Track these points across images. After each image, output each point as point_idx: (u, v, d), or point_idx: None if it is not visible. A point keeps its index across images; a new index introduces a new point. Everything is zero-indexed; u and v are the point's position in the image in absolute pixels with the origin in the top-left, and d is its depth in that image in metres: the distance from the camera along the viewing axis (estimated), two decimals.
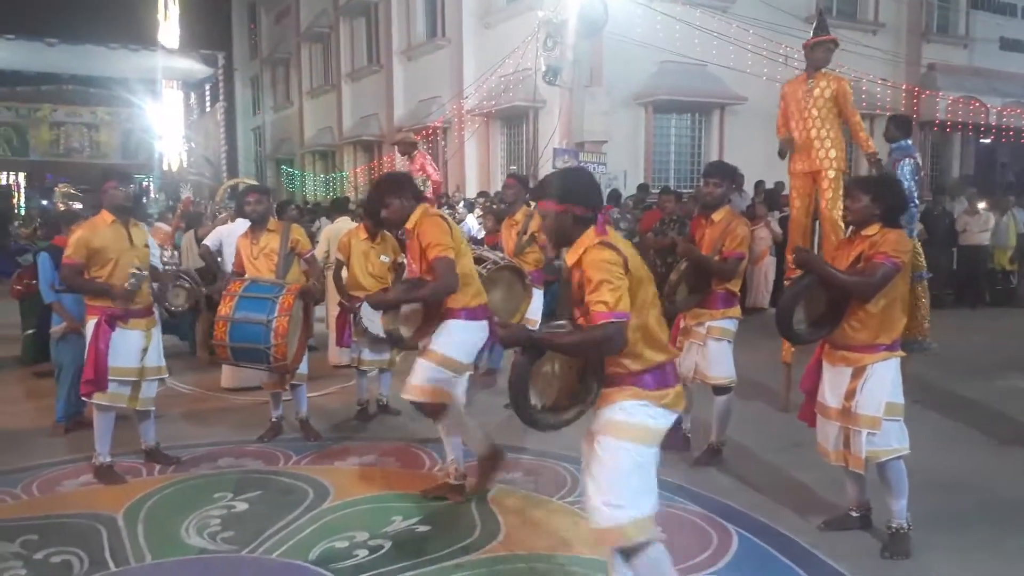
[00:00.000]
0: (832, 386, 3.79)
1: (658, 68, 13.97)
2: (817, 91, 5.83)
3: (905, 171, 6.46)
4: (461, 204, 11.93)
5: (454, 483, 4.37)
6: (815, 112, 5.83)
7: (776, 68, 13.60)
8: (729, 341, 4.89)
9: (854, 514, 4.00)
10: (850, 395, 3.69)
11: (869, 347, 3.67)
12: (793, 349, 5.92)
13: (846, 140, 6.03)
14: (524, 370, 2.65)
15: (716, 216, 4.84)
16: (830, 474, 4.12)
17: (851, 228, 3.92)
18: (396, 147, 10.52)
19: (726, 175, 4.98)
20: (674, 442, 4.74)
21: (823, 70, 5.91)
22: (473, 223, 10.68)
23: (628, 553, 2.80)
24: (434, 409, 4.26)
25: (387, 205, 4.20)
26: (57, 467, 4.97)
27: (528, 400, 2.68)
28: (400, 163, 18.88)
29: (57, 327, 5.65)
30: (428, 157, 9.47)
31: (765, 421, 5.95)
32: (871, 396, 3.64)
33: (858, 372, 3.69)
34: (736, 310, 4.94)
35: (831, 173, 5.85)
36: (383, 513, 4.20)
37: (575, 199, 2.81)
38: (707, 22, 13.38)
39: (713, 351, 4.84)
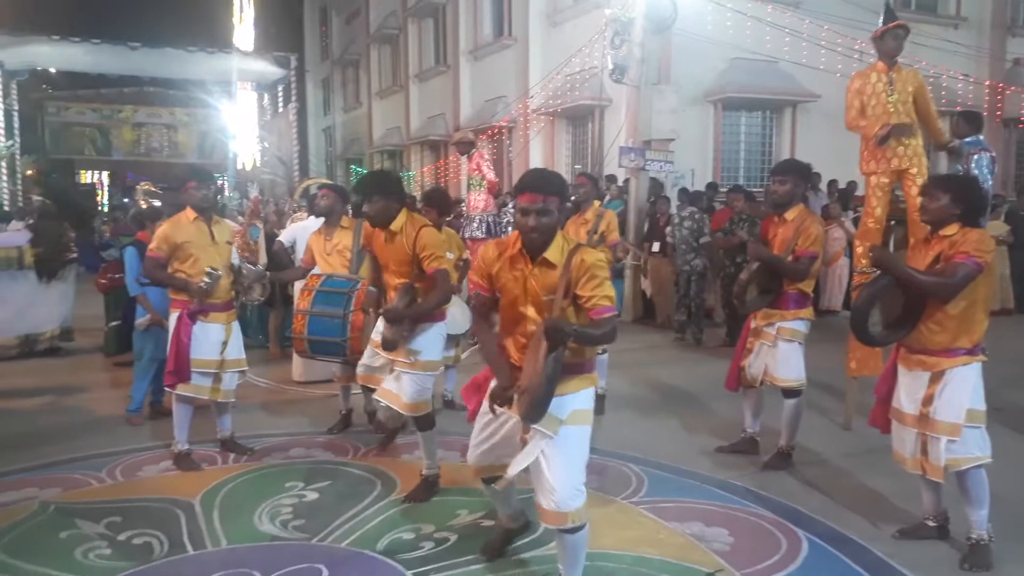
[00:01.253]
0: (909, 391, 3.68)
1: (728, 65, 13.72)
2: (899, 84, 5.53)
3: (982, 164, 6.18)
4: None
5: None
6: (900, 107, 5.52)
7: (850, 64, 13.21)
8: (800, 343, 4.78)
9: (931, 523, 3.88)
10: (928, 400, 3.58)
11: (948, 351, 3.55)
12: (853, 364, 5.72)
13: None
14: (560, 367, 2.86)
15: (789, 215, 4.74)
16: (903, 481, 4.00)
17: (928, 229, 3.79)
18: (455, 146, 10.59)
19: (796, 173, 4.86)
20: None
21: (901, 63, 5.64)
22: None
23: (572, 531, 3.05)
24: (428, 419, 4.38)
25: (372, 202, 4.21)
26: (139, 453, 5.19)
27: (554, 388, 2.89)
28: (463, 162, 19.06)
29: (142, 319, 5.89)
30: (486, 157, 9.46)
31: (835, 426, 5.81)
32: (951, 402, 3.52)
33: (936, 377, 3.57)
34: (808, 311, 4.83)
35: (914, 171, 5.53)
36: (449, 507, 4.25)
37: (566, 200, 3.07)
38: (779, 18, 13.08)
39: (783, 352, 4.74)
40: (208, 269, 4.74)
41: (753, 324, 4.90)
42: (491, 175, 9.22)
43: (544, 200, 2.95)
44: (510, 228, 9.36)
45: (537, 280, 3.01)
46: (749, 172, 14.59)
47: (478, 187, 9.04)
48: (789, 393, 4.83)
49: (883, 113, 5.57)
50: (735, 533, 3.94)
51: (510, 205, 11.83)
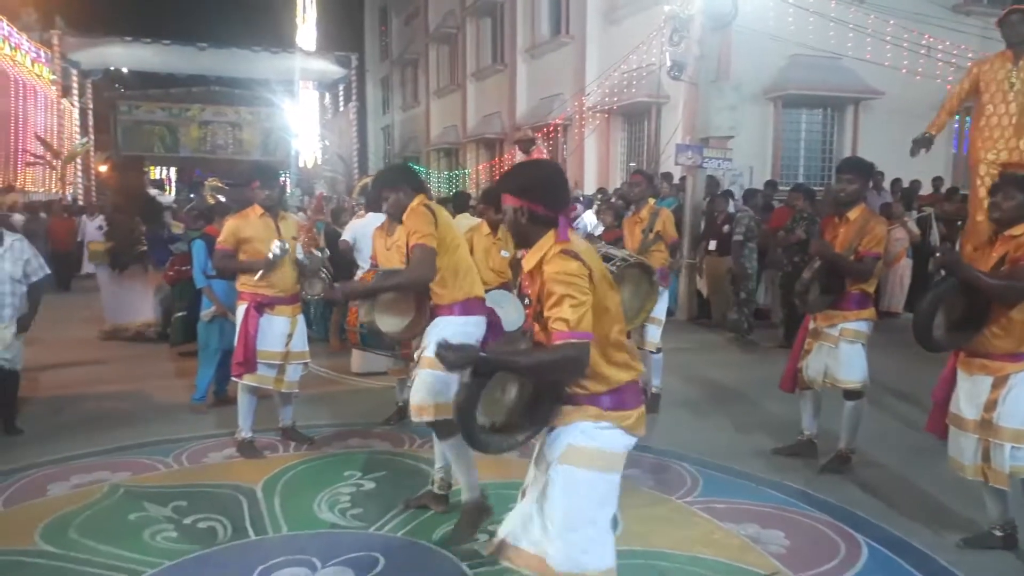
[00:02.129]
0: (969, 396, 3.59)
1: (788, 61, 13.48)
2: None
3: None
4: (579, 200, 11.91)
5: (438, 493, 4.16)
6: (1022, 98, 5.21)
7: (917, 60, 12.84)
8: (863, 344, 4.69)
9: (997, 533, 3.76)
10: (991, 406, 3.48)
11: (1012, 356, 3.46)
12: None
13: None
14: (473, 393, 2.35)
15: (852, 214, 4.64)
16: (966, 488, 3.90)
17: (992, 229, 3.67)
18: (516, 144, 10.63)
19: (861, 171, 4.76)
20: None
21: None
22: (591, 219, 10.67)
23: None
24: (447, 427, 3.76)
25: (385, 199, 4.02)
26: (204, 440, 5.36)
27: (475, 422, 2.38)
28: (520, 160, 19.09)
29: (207, 311, 6.08)
30: (545, 154, 9.50)
31: (897, 430, 5.68)
32: (1016, 407, 3.43)
33: (1000, 382, 3.47)
34: (871, 312, 4.73)
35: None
36: (503, 500, 4.26)
37: (536, 196, 2.48)
38: (842, 13, 12.79)
39: (846, 353, 4.65)
40: (277, 242, 4.84)
41: (812, 325, 4.81)
42: None
43: (503, 199, 2.57)
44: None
45: (531, 293, 2.56)
46: (809, 170, 14.31)
47: None
48: (851, 395, 4.74)
49: (1001, 102, 5.27)
50: (791, 536, 3.89)
51: (579, 202, 11.84)
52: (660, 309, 5.97)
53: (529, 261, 2.49)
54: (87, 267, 14.41)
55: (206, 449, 5.18)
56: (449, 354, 2.32)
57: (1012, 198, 3.47)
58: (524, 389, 2.47)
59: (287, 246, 4.89)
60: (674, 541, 3.81)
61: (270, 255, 4.82)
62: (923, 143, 5.67)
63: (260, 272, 4.87)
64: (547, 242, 2.46)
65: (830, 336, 4.69)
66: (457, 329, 3.72)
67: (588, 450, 2.46)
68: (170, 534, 3.87)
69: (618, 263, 5.49)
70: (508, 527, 2.61)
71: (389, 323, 3.94)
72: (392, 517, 4.07)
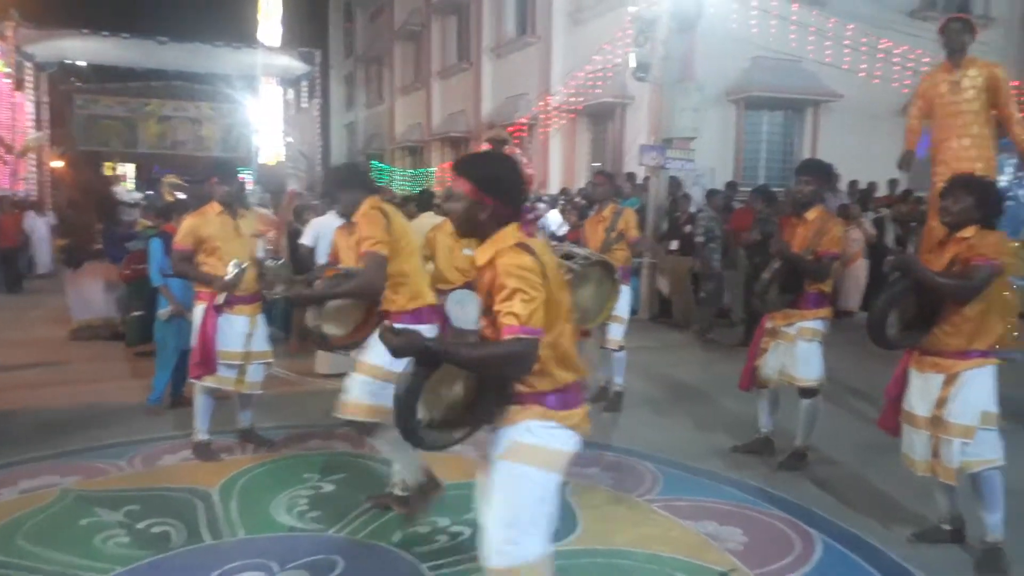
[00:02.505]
0: (921, 394, 3.66)
1: (751, 64, 13.67)
2: (966, 81, 5.24)
3: (1007, 169, 6.07)
4: (542, 200, 11.94)
5: (399, 494, 4.09)
6: (964, 107, 5.24)
7: (875, 64, 13.10)
8: (819, 342, 4.77)
9: (946, 527, 3.85)
10: (941, 403, 3.56)
11: (963, 354, 3.53)
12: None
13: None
14: (416, 384, 2.28)
15: (810, 215, 4.72)
16: (918, 484, 3.97)
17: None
18: (488, 142, 10.59)
19: (819, 173, 4.86)
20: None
21: (971, 56, 5.30)
22: (556, 219, 10.70)
23: None
24: (366, 427, 3.91)
25: (338, 200, 3.98)
26: (158, 442, 5.26)
27: (414, 415, 2.31)
28: None
29: (164, 310, 5.97)
30: (519, 154, 9.49)
31: (851, 428, 5.78)
32: (965, 404, 3.51)
33: (951, 379, 3.55)
34: (827, 311, 4.82)
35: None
36: (465, 500, 4.24)
37: (496, 192, 2.43)
38: (804, 16, 13.01)
39: (803, 351, 4.73)
40: (233, 262, 4.77)
41: (769, 324, 4.88)
42: (529, 169, 9.25)
43: (455, 181, 2.48)
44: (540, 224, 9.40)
45: (482, 287, 2.47)
46: (770, 171, 14.52)
47: None
48: (806, 392, 4.82)
49: (950, 115, 5.30)
50: (749, 533, 3.94)
51: (543, 202, 11.86)
52: (622, 308, 6.01)
53: (484, 255, 2.43)
54: (44, 266, 14.15)
55: (161, 452, 5.09)
56: (395, 339, 2.28)
57: (961, 201, 3.55)
58: (468, 384, 2.42)
59: (245, 266, 4.79)
60: (634, 539, 3.84)
61: (227, 276, 4.73)
62: (905, 161, 5.76)
63: (221, 296, 4.78)
64: (503, 237, 2.41)
65: (787, 335, 4.76)
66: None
67: (531, 447, 2.44)
68: (122, 539, 3.79)
69: (580, 261, 5.52)
70: None
71: (336, 329, 3.88)
72: (351, 520, 4.03)
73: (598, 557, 3.66)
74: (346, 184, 3.98)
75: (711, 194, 10.16)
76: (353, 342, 3.99)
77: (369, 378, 3.82)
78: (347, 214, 3.97)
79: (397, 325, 3.51)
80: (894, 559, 3.69)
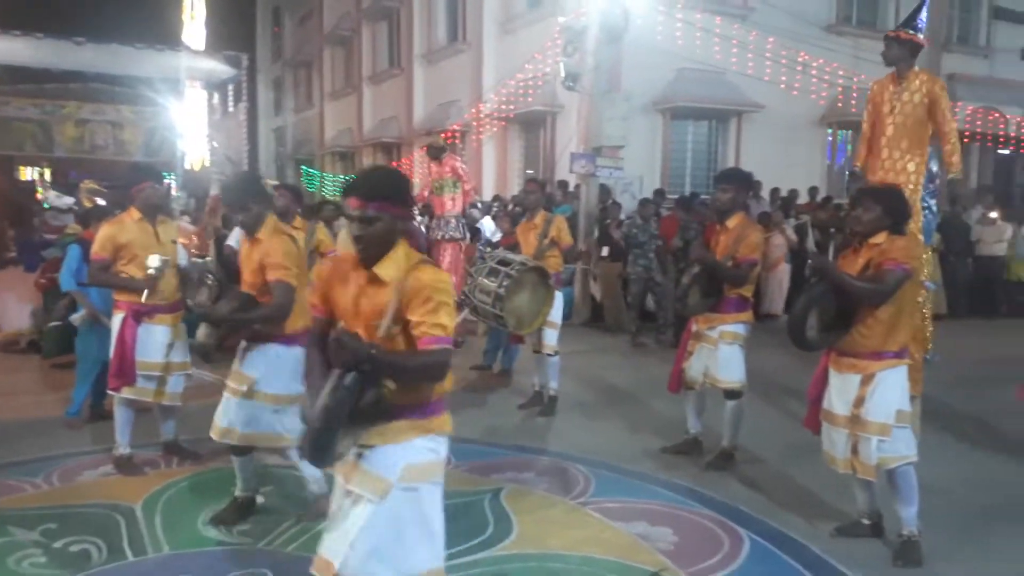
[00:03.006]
0: (840, 393, 3.80)
1: (676, 75, 13.97)
2: (907, 95, 5.31)
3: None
4: (476, 207, 11.97)
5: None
6: (899, 118, 5.31)
7: (794, 76, 13.59)
8: (741, 345, 4.91)
9: (865, 521, 4.01)
10: (859, 402, 3.70)
11: (877, 354, 3.69)
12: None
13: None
14: (348, 398, 2.25)
15: (730, 222, 4.85)
16: (841, 481, 4.13)
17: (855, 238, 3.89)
18: (425, 149, 10.54)
19: (739, 181, 5.01)
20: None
21: (917, 69, 5.37)
22: (490, 225, 10.73)
23: None
24: (245, 449, 4.05)
25: (247, 209, 3.95)
26: (77, 457, 5.06)
27: (336, 432, 2.28)
28: (420, 165, 19.00)
29: (78, 315, 5.75)
30: (459, 161, 9.39)
31: (778, 427, 5.95)
32: (881, 403, 3.66)
33: (867, 379, 3.70)
34: (748, 315, 4.96)
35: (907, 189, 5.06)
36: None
37: (406, 206, 2.51)
38: (727, 29, 13.38)
39: (724, 355, 4.86)
40: (151, 257, 4.60)
41: (694, 328, 5.00)
42: (469, 183, 9.19)
43: (365, 206, 2.38)
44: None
45: (368, 300, 2.46)
46: (695, 179, 14.86)
47: (452, 189, 9.01)
48: (730, 395, 4.95)
49: (882, 123, 5.38)
50: (679, 532, 4.02)
51: (477, 209, 11.87)
52: (556, 313, 6.07)
53: (388, 272, 2.42)
54: None
55: (80, 467, 4.89)
56: (350, 343, 2.26)
57: (871, 210, 3.71)
58: (380, 395, 2.37)
59: (167, 261, 4.66)
60: (567, 542, 3.87)
61: (150, 271, 4.58)
62: (856, 179, 5.88)
63: (146, 292, 4.62)
64: (409, 252, 2.46)
65: (710, 338, 4.89)
66: (288, 359, 3.90)
67: (426, 465, 2.48)
68: (38, 559, 3.64)
69: (517, 267, 5.58)
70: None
71: (211, 339, 4.04)
72: (280, 532, 3.95)
73: (532, 561, 3.68)
74: (244, 204, 3.98)
75: (643, 203, 10.35)
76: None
77: (276, 406, 3.94)
78: (252, 228, 3.97)
79: (279, 348, 3.85)
80: (817, 553, 3.82)
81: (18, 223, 9.34)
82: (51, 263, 7.28)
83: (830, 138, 15.90)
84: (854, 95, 14.82)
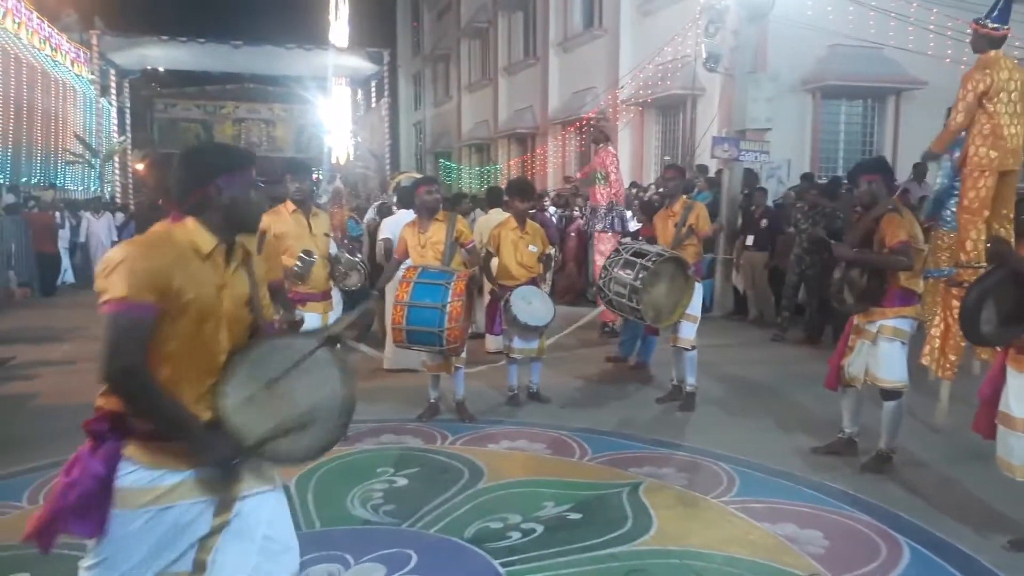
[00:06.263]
0: (1018, 394, 3.49)
1: (828, 52, 13.21)
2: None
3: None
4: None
5: None
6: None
7: (962, 49, 12.51)
8: (903, 342, 4.56)
9: None
10: None
11: None
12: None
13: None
14: None
15: (875, 213, 4.53)
16: (1011, 489, 3.79)
17: None
18: (591, 132, 10.42)
19: (878, 170, 4.67)
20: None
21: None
22: (626, 214, 10.57)
23: None
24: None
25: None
26: None
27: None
28: (554, 155, 19.00)
29: None
30: (613, 157, 9.12)
31: (934, 430, 5.53)
32: None
33: None
34: (913, 309, 4.60)
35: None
36: (535, 498, 4.26)
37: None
38: (883, 2, 12.50)
39: (885, 352, 4.53)
40: (301, 253, 4.84)
41: (856, 321, 4.70)
42: (618, 181, 9.05)
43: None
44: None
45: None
46: (848, 163, 13.97)
47: (601, 182, 8.95)
48: (889, 395, 4.62)
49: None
50: (830, 536, 3.80)
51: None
52: (695, 306, 5.89)
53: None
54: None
55: None
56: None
57: None
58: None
59: (313, 258, 4.86)
60: (709, 541, 3.75)
61: (296, 267, 4.79)
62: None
63: (288, 284, 4.85)
64: None
65: (869, 333, 4.58)
66: None
67: None
68: None
69: (653, 258, 5.45)
70: None
71: None
72: (424, 514, 4.05)
73: (672, 558, 3.59)
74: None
75: (806, 187, 9.71)
76: None
77: None
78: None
79: None
80: (986, 565, 3.52)
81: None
82: None
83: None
84: None
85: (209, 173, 2.12)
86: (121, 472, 1.98)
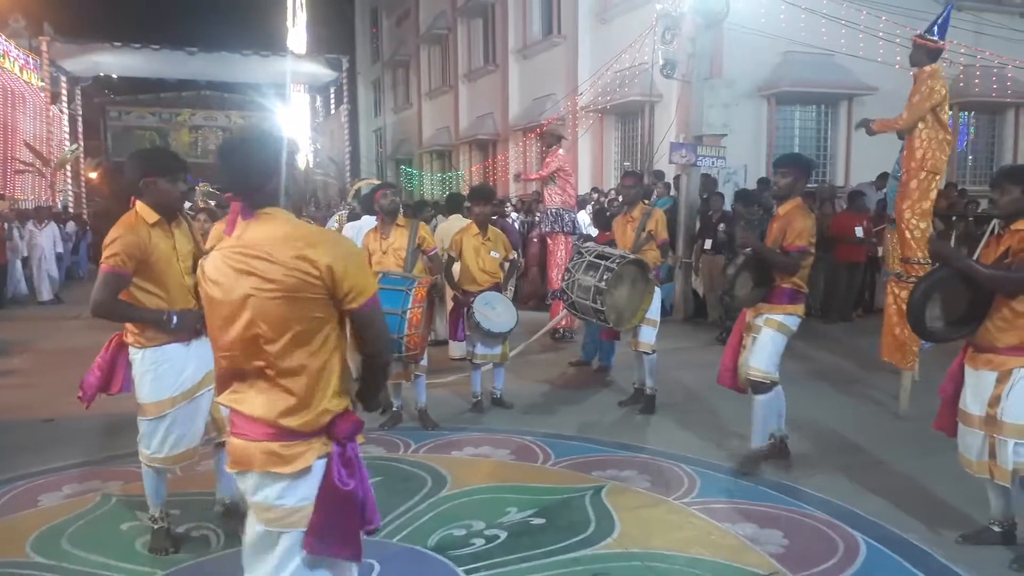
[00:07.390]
0: (975, 392, 3.56)
1: (782, 59, 13.48)
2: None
3: None
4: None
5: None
6: None
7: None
8: (784, 335, 4.63)
9: (996, 528, 3.74)
10: (994, 401, 3.45)
11: (1015, 349, 3.42)
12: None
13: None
14: None
15: (782, 209, 4.65)
16: (964, 484, 3.89)
17: (997, 223, 3.66)
18: (543, 136, 10.46)
19: (797, 166, 4.75)
20: None
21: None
22: (585, 219, 10.64)
23: None
24: None
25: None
26: (200, 448, 5.28)
27: None
28: (514, 161, 19.05)
29: None
30: (559, 161, 9.08)
31: (891, 426, 5.66)
32: (1019, 403, 3.39)
33: (1003, 377, 3.44)
34: (800, 308, 4.67)
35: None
36: (498, 504, 4.26)
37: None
38: (834, 10, 12.77)
39: (762, 339, 4.61)
40: None
41: (748, 318, 4.77)
42: (571, 186, 9.13)
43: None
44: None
45: None
46: None
47: (552, 183, 8.99)
48: (758, 387, 4.65)
49: None
50: (790, 535, 3.86)
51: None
52: (655, 310, 5.95)
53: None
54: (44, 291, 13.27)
55: (202, 456, 5.11)
56: None
57: (1008, 192, 3.44)
58: None
59: None
60: (672, 542, 3.78)
61: None
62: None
63: None
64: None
65: (755, 326, 4.66)
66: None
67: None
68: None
69: (616, 260, 5.50)
70: None
71: None
72: (388, 523, 4.02)
73: (635, 560, 3.61)
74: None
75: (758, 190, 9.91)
76: None
77: None
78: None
79: None
80: (940, 560, 3.60)
81: None
82: None
83: (951, 120, 14.99)
84: (977, 74, 13.93)
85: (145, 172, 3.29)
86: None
